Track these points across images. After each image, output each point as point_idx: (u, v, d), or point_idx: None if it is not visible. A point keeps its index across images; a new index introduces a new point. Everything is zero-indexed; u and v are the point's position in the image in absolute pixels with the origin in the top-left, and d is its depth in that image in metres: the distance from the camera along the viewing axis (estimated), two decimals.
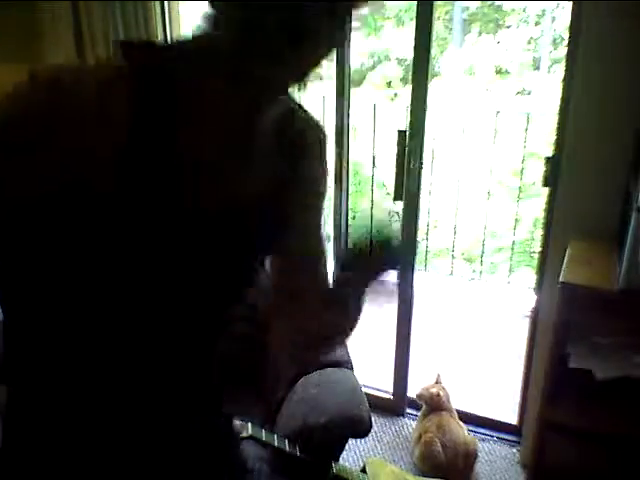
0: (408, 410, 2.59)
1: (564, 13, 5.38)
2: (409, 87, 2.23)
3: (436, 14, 2.18)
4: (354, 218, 1.86)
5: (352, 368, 1.84)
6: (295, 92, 0.73)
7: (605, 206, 1.86)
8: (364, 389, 1.74)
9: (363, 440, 2.37)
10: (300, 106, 0.79)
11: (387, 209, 0.98)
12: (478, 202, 4.00)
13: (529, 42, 5.84)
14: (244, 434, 1.51)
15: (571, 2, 1.89)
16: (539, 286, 2.18)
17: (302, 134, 0.77)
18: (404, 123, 2.36)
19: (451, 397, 2.37)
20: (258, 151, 0.72)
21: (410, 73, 2.19)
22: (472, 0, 6.13)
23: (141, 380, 0.74)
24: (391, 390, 2.60)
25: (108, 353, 0.71)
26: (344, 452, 1.61)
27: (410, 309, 2.49)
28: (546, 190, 2.09)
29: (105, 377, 0.72)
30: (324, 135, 0.81)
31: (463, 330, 3.41)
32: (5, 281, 0.69)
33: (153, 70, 0.65)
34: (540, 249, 2.23)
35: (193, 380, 0.79)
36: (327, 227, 3.84)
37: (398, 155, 2.25)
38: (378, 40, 6.26)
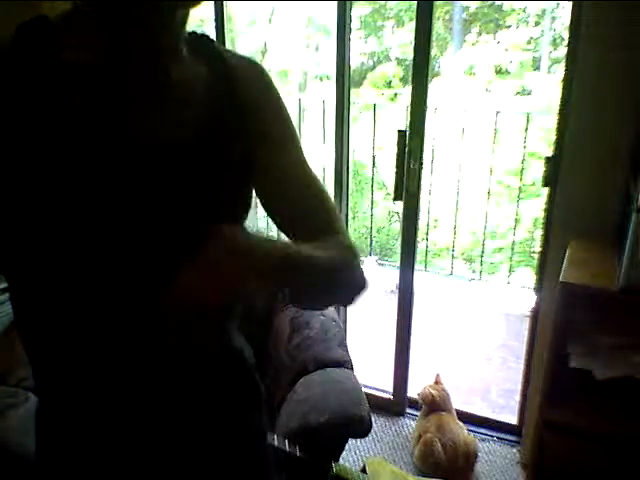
0: (408, 410, 2.59)
1: (564, 13, 5.38)
2: (409, 87, 2.23)
3: (436, 14, 2.18)
4: (354, 218, 1.86)
5: (352, 368, 1.84)
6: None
7: (605, 206, 1.86)
8: (364, 389, 1.74)
9: (363, 440, 2.37)
10: (228, 50, 0.80)
11: None
12: (478, 202, 4.00)
13: (529, 42, 5.83)
14: None
15: (571, 2, 1.89)
16: (539, 286, 2.18)
17: (238, 69, 0.77)
18: (404, 123, 2.36)
19: (451, 397, 2.38)
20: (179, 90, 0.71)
21: (410, 73, 2.19)
22: (472, 0, 6.13)
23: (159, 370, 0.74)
24: (391, 390, 2.60)
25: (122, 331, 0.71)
26: (344, 452, 1.61)
27: (410, 309, 2.49)
28: (546, 190, 2.09)
29: (123, 366, 0.72)
30: (261, 67, 0.81)
31: (463, 330, 3.41)
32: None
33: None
34: (540, 249, 2.23)
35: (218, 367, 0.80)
36: None
37: (398, 155, 2.25)
38: (378, 40, 6.27)
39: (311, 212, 0.77)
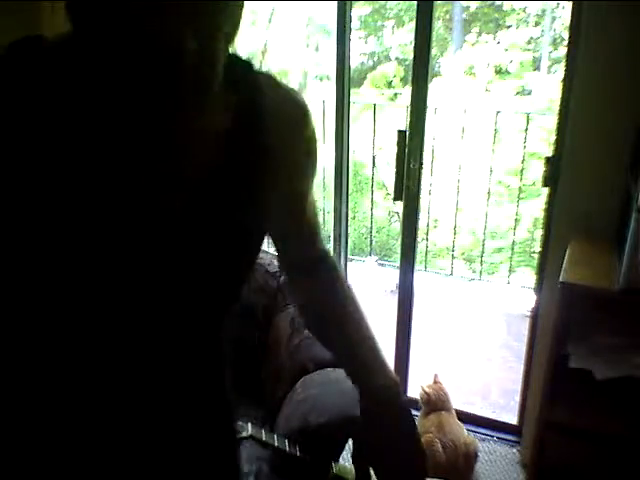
0: None
1: (564, 13, 5.38)
2: (409, 87, 2.23)
3: (436, 14, 2.18)
4: (354, 218, 1.86)
5: None
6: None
7: (605, 206, 1.86)
8: None
9: None
10: (273, 79, 0.72)
11: None
12: (478, 202, 4.00)
13: (529, 42, 5.84)
14: (244, 434, 1.51)
15: (571, 2, 1.89)
16: (539, 286, 2.18)
17: (279, 109, 0.71)
18: (404, 123, 2.36)
19: (451, 397, 2.37)
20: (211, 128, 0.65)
21: (410, 73, 2.19)
22: (472, 0, 6.13)
23: (141, 379, 0.73)
24: None
25: (104, 350, 0.70)
26: (344, 452, 1.61)
27: (410, 309, 2.49)
28: (546, 190, 2.09)
29: (102, 377, 0.71)
30: (305, 108, 0.74)
31: (463, 330, 3.41)
32: None
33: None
34: (540, 249, 2.23)
35: (194, 377, 0.79)
36: (327, 227, 3.84)
37: (398, 155, 2.25)
38: (378, 40, 6.27)
39: (304, 233, 0.88)
